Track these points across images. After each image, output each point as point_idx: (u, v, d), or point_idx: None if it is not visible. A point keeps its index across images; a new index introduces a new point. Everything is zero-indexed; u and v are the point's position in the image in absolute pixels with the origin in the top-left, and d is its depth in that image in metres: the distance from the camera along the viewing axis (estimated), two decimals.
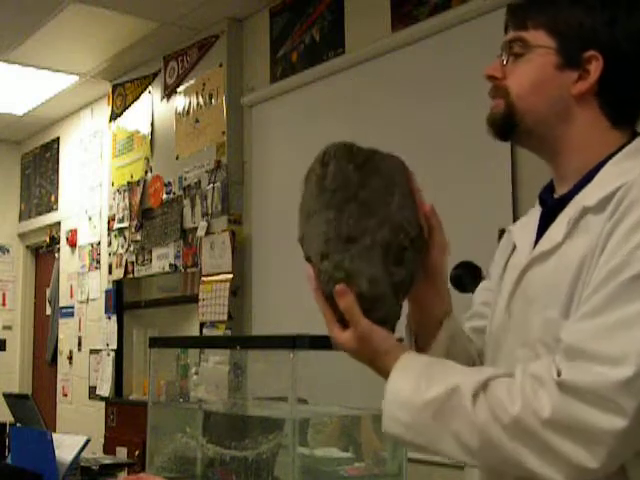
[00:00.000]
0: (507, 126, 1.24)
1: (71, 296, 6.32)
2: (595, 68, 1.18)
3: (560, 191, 1.25)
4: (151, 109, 5.30)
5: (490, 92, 1.26)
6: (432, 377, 1.11)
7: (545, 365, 1.05)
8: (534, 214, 1.30)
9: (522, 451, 1.03)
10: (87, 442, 2.63)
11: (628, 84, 1.20)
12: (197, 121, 4.80)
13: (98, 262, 5.89)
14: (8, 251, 7.37)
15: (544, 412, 1.01)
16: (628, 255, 1.04)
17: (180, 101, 4.99)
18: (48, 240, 6.87)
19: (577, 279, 1.11)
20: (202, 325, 4.56)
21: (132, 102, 5.51)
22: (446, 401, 1.08)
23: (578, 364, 1.02)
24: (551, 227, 1.20)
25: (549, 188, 1.29)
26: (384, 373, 1.15)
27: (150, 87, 5.31)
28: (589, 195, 1.15)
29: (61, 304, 6.48)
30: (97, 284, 5.88)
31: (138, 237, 5.29)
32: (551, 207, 1.24)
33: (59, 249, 6.64)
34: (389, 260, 1.14)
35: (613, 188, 1.11)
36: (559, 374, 1.02)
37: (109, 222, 5.69)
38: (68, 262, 6.41)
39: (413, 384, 1.11)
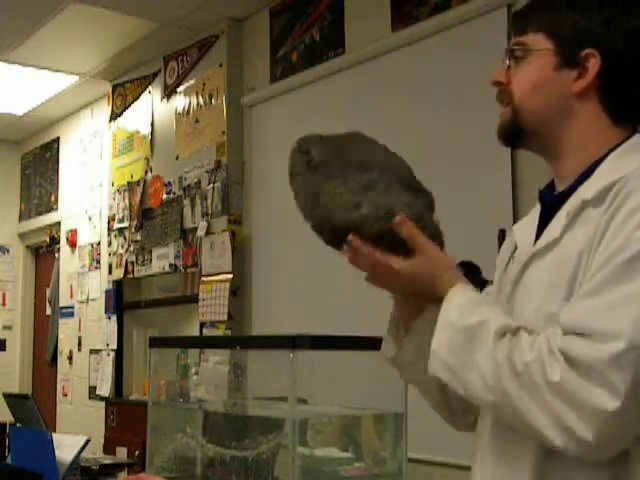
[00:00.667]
0: (515, 131, 1.27)
1: (71, 296, 6.32)
2: (593, 65, 1.21)
3: (560, 188, 1.26)
4: (151, 109, 5.30)
5: (497, 97, 1.30)
6: (473, 309, 1.17)
7: (553, 333, 1.09)
8: (534, 213, 1.32)
9: (528, 403, 1.07)
10: (87, 442, 2.63)
11: (627, 81, 1.22)
12: (197, 121, 4.80)
13: (98, 262, 5.89)
14: (8, 251, 7.37)
15: (553, 375, 1.05)
16: (625, 238, 1.07)
17: (180, 101, 4.99)
18: (48, 240, 6.87)
19: (576, 272, 1.13)
20: (202, 325, 4.56)
21: (132, 102, 5.51)
22: (475, 331, 1.14)
23: (576, 340, 1.05)
24: (551, 222, 1.22)
25: (550, 187, 1.31)
26: (440, 292, 1.22)
27: (150, 87, 5.31)
28: (588, 189, 1.17)
29: (61, 304, 6.48)
30: (97, 284, 5.88)
31: (138, 237, 5.29)
32: (551, 204, 1.26)
33: (59, 249, 6.64)
34: (410, 189, 1.24)
35: (611, 181, 1.13)
36: (561, 346, 1.07)
37: (109, 222, 5.69)
38: (68, 262, 6.41)
39: (459, 309, 1.18)
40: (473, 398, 1.16)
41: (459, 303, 1.19)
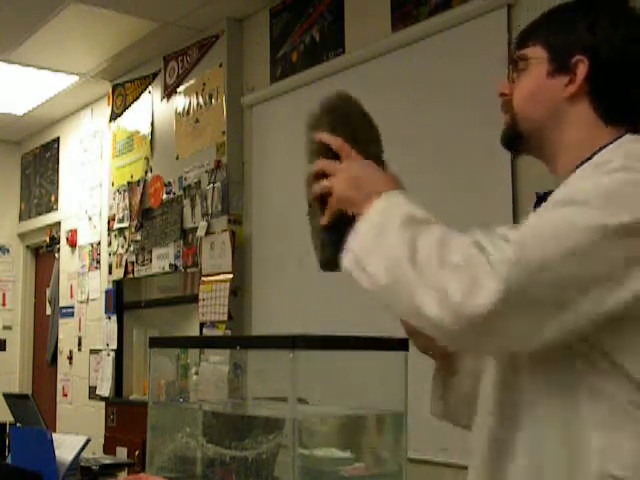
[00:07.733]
0: (514, 137, 1.34)
1: (71, 296, 6.32)
2: (581, 71, 1.26)
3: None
4: (151, 109, 5.30)
5: (502, 107, 1.37)
6: (393, 208, 1.25)
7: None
8: None
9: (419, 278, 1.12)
10: (87, 442, 2.63)
11: (615, 84, 1.27)
12: (197, 121, 4.80)
13: (98, 262, 5.89)
14: (8, 251, 7.37)
15: (454, 256, 1.12)
16: (569, 186, 1.18)
17: (180, 101, 4.99)
18: (48, 240, 6.87)
19: None
20: (202, 325, 4.56)
21: (132, 102, 5.51)
22: (388, 219, 1.22)
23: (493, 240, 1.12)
24: None
25: None
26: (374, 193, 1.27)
27: (150, 87, 5.31)
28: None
29: (61, 304, 6.48)
30: (97, 284, 5.87)
31: (138, 237, 5.29)
32: (540, 202, 1.28)
33: (59, 249, 6.64)
34: None
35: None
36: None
37: (109, 222, 5.69)
38: (68, 262, 6.41)
39: (380, 210, 1.25)
40: (376, 287, 1.19)
41: (380, 206, 1.24)
